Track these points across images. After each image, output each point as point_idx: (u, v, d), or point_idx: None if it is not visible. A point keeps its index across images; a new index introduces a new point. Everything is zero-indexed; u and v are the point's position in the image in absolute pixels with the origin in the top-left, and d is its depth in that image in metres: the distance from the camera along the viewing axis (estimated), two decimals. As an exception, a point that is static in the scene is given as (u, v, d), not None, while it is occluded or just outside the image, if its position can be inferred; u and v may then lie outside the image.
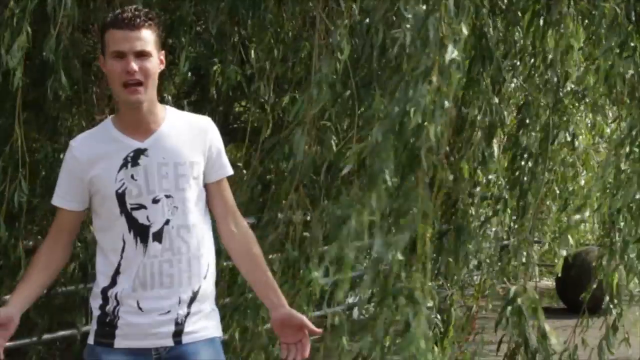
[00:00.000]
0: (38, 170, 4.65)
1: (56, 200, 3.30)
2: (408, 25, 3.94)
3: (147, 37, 3.17)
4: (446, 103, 3.59)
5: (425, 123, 3.56)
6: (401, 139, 3.66)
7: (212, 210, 3.40)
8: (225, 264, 4.57)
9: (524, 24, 5.40)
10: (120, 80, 3.14)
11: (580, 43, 5.21)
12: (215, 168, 3.35)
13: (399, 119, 3.59)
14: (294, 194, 4.54)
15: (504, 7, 5.30)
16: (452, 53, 3.77)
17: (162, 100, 5.55)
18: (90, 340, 3.31)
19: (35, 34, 4.28)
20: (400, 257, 3.48)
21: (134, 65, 3.12)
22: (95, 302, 3.30)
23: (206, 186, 3.34)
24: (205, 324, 3.31)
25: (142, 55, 3.15)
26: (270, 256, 4.63)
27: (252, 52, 5.48)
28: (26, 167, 4.17)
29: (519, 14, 5.31)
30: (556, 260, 9.06)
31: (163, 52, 3.26)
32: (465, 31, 3.88)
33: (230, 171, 3.42)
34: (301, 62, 5.45)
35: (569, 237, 6.29)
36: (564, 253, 6.54)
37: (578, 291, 7.32)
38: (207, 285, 3.32)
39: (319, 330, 3.36)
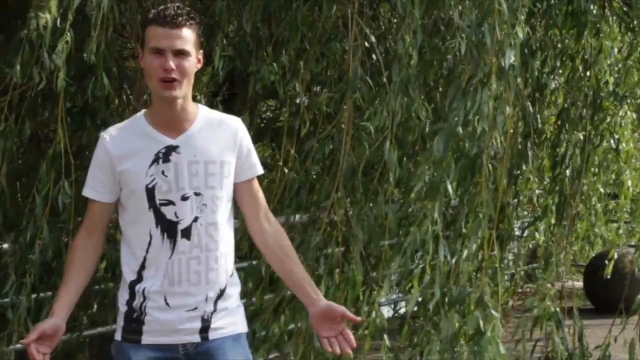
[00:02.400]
0: (82, 171, 4.75)
1: (88, 192, 3.35)
2: (463, 35, 3.97)
3: (187, 36, 3.23)
4: (507, 108, 3.65)
5: (487, 129, 3.61)
6: (462, 147, 3.73)
7: (243, 209, 3.46)
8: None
9: (559, 25, 5.50)
10: (157, 76, 3.20)
11: (617, 43, 5.29)
12: (245, 167, 3.41)
13: (459, 127, 3.66)
14: (336, 194, 4.65)
15: (543, 9, 5.38)
16: (510, 58, 3.83)
17: (194, 99, 5.72)
18: (118, 336, 3.37)
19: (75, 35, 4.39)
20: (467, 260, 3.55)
21: (172, 64, 3.18)
22: (122, 298, 3.36)
23: (236, 185, 3.40)
24: (232, 320, 3.38)
25: (180, 53, 3.21)
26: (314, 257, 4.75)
27: (285, 51, 5.56)
28: (70, 168, 4.26)
29: (556, 15, 5.41)
30: (583, 262, 9.20)
31: (201, 51, 3.32)
32: (520, 35, 3.95)
33: (260, 170, 3.48)
34: (335, 63, 5.58)
35: (607, 236, 6.35)
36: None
37: (607, 291, 7.42)
38: (233, 283, 3.40)
39: (359, 318, 3.40)
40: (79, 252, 3.35)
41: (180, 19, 3.21)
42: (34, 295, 4.45)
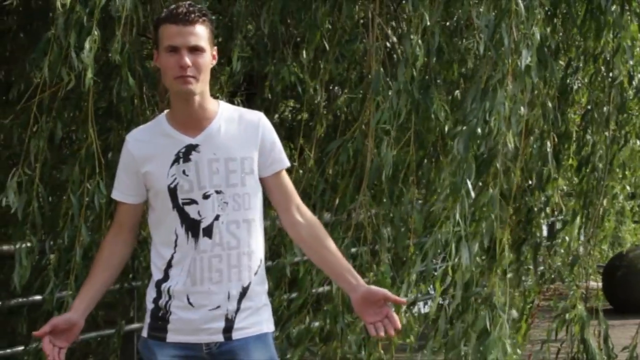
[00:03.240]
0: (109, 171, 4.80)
1: (116, 195, 3.41)
2: (482, 35, 4.01)
3: (201, 33, 3.25)
4: (522, 109, 3.69)
5: (504, 129, 3.65)
6: (478, 147, 3.76)
7: (273, 203, 3.45)
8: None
9: (579, 24, 5.54)
10: (173, 74, 3.23)
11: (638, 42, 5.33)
12: (270, 162, 3.39)
13: (477, 127, 3.69)
14: (361, 196, 4.69)
15: (564, 10, 5.42)
16: (526, 59, 3.87)
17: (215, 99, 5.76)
18: (144, 333, 3.41)
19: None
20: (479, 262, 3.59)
21: (187, 60, 3.20)
22: (149, 296, 3.40)
23: (263, 180, 3.40)
24: (256, 320, 3.38)
25: (195, 50, 3.23)
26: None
27: (304, 52, 5.60)
28: (102, 168, 4.31)
29: (577, 14, 5.45)
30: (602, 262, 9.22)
31: (215, 47, 3.35)
32: (537, 36, 3.99)
33: (286, 163, 3.45)
34: (355, 63, 5.62)
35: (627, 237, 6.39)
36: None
37: (626, 292, 7.46)
38: (258, 281, 3.39)
39: (403, 300, 3.42)
40: (105, 251, 3.41)
41: (192, 15, 3.24)
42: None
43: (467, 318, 4.24)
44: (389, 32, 5.35)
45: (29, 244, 4.30)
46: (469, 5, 4.96)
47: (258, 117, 3.43)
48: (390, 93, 4.64)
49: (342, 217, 4.89)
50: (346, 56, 5.50)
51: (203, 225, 3.29)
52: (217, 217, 3.30)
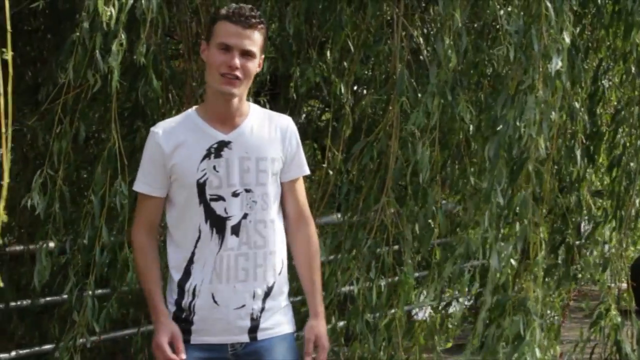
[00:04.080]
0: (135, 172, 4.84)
1: (143, 188, 3.40)
2: (512, 41, 3.99)
3: (257, 38, 3.29)
4: (553, 114, 3.69)
5: (534, 135, 3.66)
6: (510, 153, 3.77)
7: (283, 209, 3.50)
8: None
9: (607, 24, 5.52)
10: (219, 71, 3.26)
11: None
12: (292, 167, 3.47)
13: (508, 133, 3.69)
14: (385, 197, 4.70)
15: (592, 11, 5.40)
16: (556, 64, 3.87)
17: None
18: None
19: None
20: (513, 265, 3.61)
21: (237, 62, 3.24)
22: (170, 297, 3.41)
23: (281, 184, 3.45)
24: (280, 320, 3.43)
25: (247, 54, 3.27)
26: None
27: (329, 52, 5.61)
28: (125, 169, 4.34)
29: (605, 13, 5.43)
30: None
31: (262, 56, 3.38)
32: (567, 40, 3.98)
33: (306, 171, 3.53)
34: (380, 64, 5.63)
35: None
36: None
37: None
38: (282, 281, 3.44)
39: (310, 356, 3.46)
40: (147, 249, 3.41)
41: (253, 20, 3.27)
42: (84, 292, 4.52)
43: (502, 322, 4.26)
44: (414, 32, 5.33)
45: (51, 244, 4.34)
46: (495, 8, 4.95)
47: (287, 122, 3.48)
48: (420, 95, 4.65)
49: (365, 218, 4.89)
50: (371, 57, 5.50)
51: (231, 223, 3.31)
52: (245, 216, 3.32)
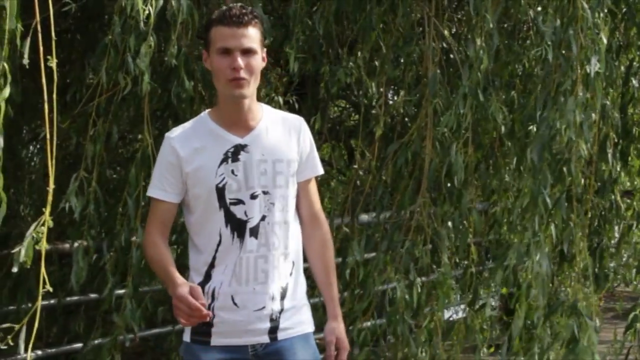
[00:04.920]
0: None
1: (157, 193, 3.35)
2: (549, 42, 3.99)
3: (253, 35, 3.25)
4: (593, 116, 3.68)
5: (574, 138, 3.65)
6: (551, 155, 3.77)
7: (297, 209, 3.47)
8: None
9: (638, 22, 5.50)
10: (225, 76, 3.23)
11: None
12: (305, 167, 3.44)
13: (550, 135, 3.69)
14: (421, 198, 4.70)
15: (624, 9, 5.38)
16: (595, 65, 3.86)
17: (271, 100, 5.80)
18: (187, 337, 3.38)
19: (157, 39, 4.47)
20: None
21: (241, 62, 3.20)
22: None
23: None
24: (299, 319, 3.40)
25: (248, 52, 3.23)
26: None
27: (359, 52, 5.61)
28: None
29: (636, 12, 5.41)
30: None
31: (265, 49, 3.34)
32: (604, 40, 3.97)
33: (320, 170, 3.51)
34: (411, 64, 5.62)
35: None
36: None
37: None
38: (295, 281, 3.40)
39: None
40: (159, 244, 3.34)
41: (245, 17, 3.24)
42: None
43: (551, 324, 4.27)
44: (445, 33, 5.32)
45: (85, 243, 4.38)
46: (527, 8, 4.94)
47: (300, 122, 3.46)
48: (453, 96, 4.65)
49: (401, 219, 4.90)
50: (402, 57, 5.50)
51: (250, 225, 3.29)
52: (263, 218, 3.31)
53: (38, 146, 6.80)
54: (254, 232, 3.30)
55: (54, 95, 3.16)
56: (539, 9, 5.12)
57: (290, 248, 3.39)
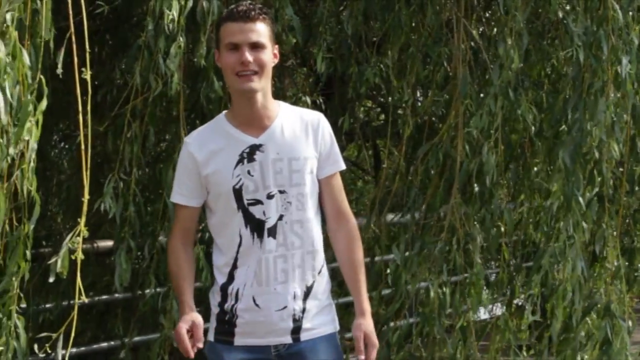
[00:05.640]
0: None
1: (179, 199, 3.41)
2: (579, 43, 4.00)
3: (262, 30, 3.26)
4: (624, 116, 3.70)
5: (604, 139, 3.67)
6: (582, 156, 3.78)
7: (322, 206, 3.48)
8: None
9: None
10: (234, 70, 3.24)
11: None
12: (326, 163, 3.43)
13: (582, 137, 3.71)
14: (453, 198, 4.73)
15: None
16: (626, 66, 3.88)
17: (298, 100, 5.82)
18: (211, 337, 3.43)
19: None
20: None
21: (249, 56, 3.22)
22: (214, 300, 3.43)
23: (317, 181, 3.43)
24: (323, 320, 3.41)
25: (256, 46, 3.24)
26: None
27: (389, 52, 5.62)
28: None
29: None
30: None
31: (277, 46, 3.36)
32: (635, 40, 3.98)
33: (342, 166, 3.49)
34: (440, 65, 5.64)
35: None
36: None
37: None
38: (322, 281, 3.42)
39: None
40: (181, 254, 3.41)
41: (253, 12, 3.26)
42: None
43: (586, 325, 4.29)
44: (474, 32, 5.33)
45: (128, 244, 4.42)
46: (556, 7, 4.95)
47: (318, 118, 3.45)
48: (481, 95, 4.67)
49: (432, 219, 4.92)
50: (432, 57, 5.51)
51: (268, 225, 3.32)
52: (280, 217, 3.33)
53: (67, 146, 6.85)
54: (272, 231, 3.32)
55: (89, 107, 3.21)
56: (567, 7, 5.12)
57: (317, 245, 3.40)
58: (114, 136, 4.76)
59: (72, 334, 3.08)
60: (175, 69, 4.16)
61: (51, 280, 3.11)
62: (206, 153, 3.33)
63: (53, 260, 3.08)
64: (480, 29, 6.09)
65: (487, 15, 6.22)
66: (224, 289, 3.38)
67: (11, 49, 2.98)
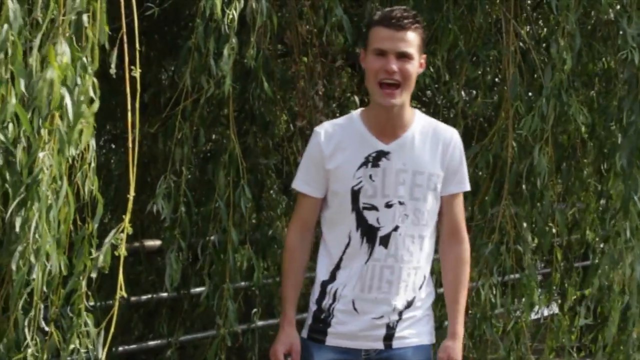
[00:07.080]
0: (251, 174, 4.96)
1: (301, 187, 3.44)
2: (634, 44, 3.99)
3: (412, 39, 3.26)
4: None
5: None
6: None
7: (438, 224, 3.48)
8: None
9: None
10: (377, 77, 3.25)
11: None
12: (452, 181, 3.42)
13: (639, 139, 3.70)
14: (504, 200, 4.72)
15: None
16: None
17: (347, 100, 5.82)
18: (304, 334, 3.48)
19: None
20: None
21: (394, 66, 3.22)
22: (313, 296, 3.47)
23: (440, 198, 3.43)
24: (418, 330, 3.43)
25: (404, 56, 3.24)
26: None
27: (438, 52, 5.61)
28: (244, 173, 4.45)
29: None
30: None
31: (424, 55, 3.36)
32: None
33: (466, 187, 3.49)
34: (489, 66, 5.63)
35: None
36: None
37: None
38: (422, 296, 3.43)
39: None
40: (297, 253, 3.47)
41: (406, 21, 3.25)
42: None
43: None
44: (523, 33, 5.32)
45: (180, 244, 4.47)
46: (607, 7, 4.92)
47: (452, 134, 3.45)
48: (531, 96, 4.65)
49: (483, 221, 4.92)
50: (481, 59, 5.50)
51: (381, 233, 3.34)
52: (396, 228, 3.34)
53: (114, 147, 6.93)
54: (384, 241, 3.34)
55: (137, 104, 3.25)
56: (618, 7, 5.09)
57: (423, 262, 3.41)
58: (165, 137, 4.81)
59: (112, 331, 3.13)
60: (227, 70, 4.18)
61: (93, 275, 3.14)
62: (333, 148, 3.36)
63: (95, 255, 3.12)
64: (529, 29, 6.07)
65: (536, 15, 6.18)
66: (323, 285, 3.43)
67: (89, 51, 3.02)
